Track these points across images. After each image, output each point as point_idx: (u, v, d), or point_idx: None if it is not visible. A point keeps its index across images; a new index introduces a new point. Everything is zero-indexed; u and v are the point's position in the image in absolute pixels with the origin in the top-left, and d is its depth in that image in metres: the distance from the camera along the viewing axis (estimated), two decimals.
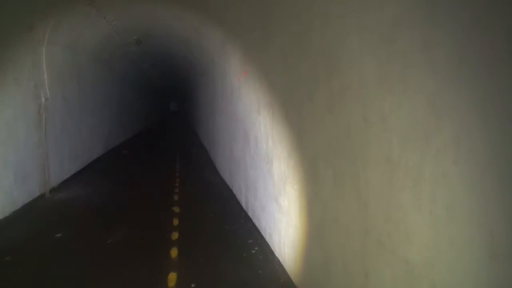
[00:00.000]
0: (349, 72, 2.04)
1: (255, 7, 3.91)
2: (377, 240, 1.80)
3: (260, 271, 3.48)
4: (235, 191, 5.99)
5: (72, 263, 3.62)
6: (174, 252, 3.86)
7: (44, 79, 6.08)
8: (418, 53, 1.46)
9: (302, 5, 2.71)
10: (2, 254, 3.77)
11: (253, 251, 3.91)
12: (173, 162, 9.45)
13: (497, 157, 1.14)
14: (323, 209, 2.48)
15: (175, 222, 4.81)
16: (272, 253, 3.74)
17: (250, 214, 4.84)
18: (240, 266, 3.57)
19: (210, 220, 4.95)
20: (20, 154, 5.33)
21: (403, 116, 1.57)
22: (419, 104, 1.46)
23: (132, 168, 8.91)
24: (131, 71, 13.81)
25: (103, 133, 10.41)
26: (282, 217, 3.39)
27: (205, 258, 3.74)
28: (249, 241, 4.17)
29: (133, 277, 3.34)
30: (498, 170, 1.14)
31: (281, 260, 3.49)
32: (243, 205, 5.26)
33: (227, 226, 4.70)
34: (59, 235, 4.35)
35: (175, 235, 4.32)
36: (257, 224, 4.43)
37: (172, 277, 3.34)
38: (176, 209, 5.35)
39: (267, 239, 3.96)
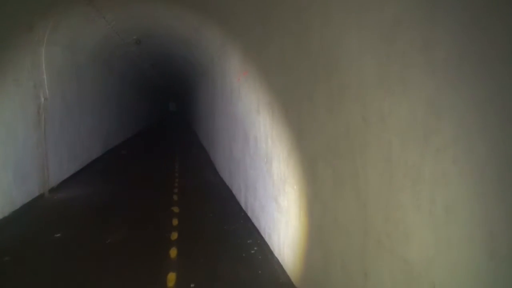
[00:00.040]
0: (349, 72, 2.04)
1: (255, 7, 3.91)
2: (376, 240, 1.79)
3: (260, 271, 3.47)
4: (234, 191, 5.99)
5: (72, 263, 3.62)
6: (173, 252, 3.86)
7: (43, 79, 6.07)
8: (418, 53, 1.46)
9: (302, 5, 2.71)
10: (1, 254, 3.76)
11: (253, 251, 3.91)
12: (172, 162, 9.45)
13: (497, 157, 1.14)
14: (322, 209, 2.48)
15: (175, 222, 4.80)
16: (271, 253, 3.74)
17: (249, 214, 4.84)
18: (239, 266, 3.56)
19: (210, 220, 4.95)
20: (19, 154, 5.32)
21: (403, 116, 1.57)
22: (418, 104, 1.46)
23: (132, 168, 8.90)
24: (130, 71, 13.80)
25: (102, 133, 10.39)
26: (281, 217, 3.39)
27: (204, 258, 3.74)
28: (248, 241, 4.17)
29: (133, 277, 3.34)
30: (497, 169, 1.14)
31: (280, 260, 3.48)
32: (243, 205, 5.26)
33: (226, 226, 4.70)
34: (58, 235, 4.35)
35: (174, 235, 4.32)
36: (256, 224, 4.43)
37: (171, 277, 3.33)
38: (176, 209, 5.34)
39: (267, 239, 3.96)
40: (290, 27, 2.96)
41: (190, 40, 8.19)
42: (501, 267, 1.13)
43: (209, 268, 3.52)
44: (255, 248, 3.97)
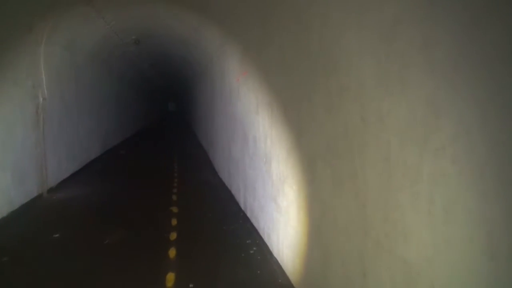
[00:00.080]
0: (348, 72, 2.04)
1: (254, 7, 3.91)
2: (375, 240, 1.79)
3: (259, 272, 3.47)
4: (233, 191, 5.99)
5: (70, 263, 3.61)
6: (172, 252, 3.85)
7: (42, 79, 6.06)
8: (417, 53, 1.46)
9: (301, 5, 2.71)
10: (0, 255, 3.75)
11: (252, 252, 3.91)
12: (171, 162, 9.44)
13: (496, 157, 1.14)
14: (321, 209, 2.48)
15: (174, 222, 4.80)
16: (270, 253, 3.73)
17: (248, 214, 4.83)
18: (239, 267, 3.56)
19: (209, 220, 4.95)
20: (18, 154, 5.31)
21: (402, 116, 1.56)
22: (417, 103, 1.46)
23: (130, 168, 8.89)
24: (129, 71, 13.79)
25: (101, 133, 10.38)
26: (280, 217, 3.39)
27: (203, 258, 3.73)
28: (247, 241, 4.16)
29: (132, 277, 3.33)
30: (497, 169, 1.14)
31: (279, 261, 3.48)
32: (242, 205, 5.26)
33: (225, 226, 4.69)
34: (57, 235, 4.34)
35: (173, 235, 4.31)
36: (255, 224, 4.42)
37: (170, 277, 3.33)
38: (175, 209, 5.34)
39: (266, 239, 3.95)
40: (290, 27, 2.96)
41: (189, 40, 8.18)
42: (501, 267, 1.13)
43: (208, 268, 3.52)
44: (254, 248, 3.97)
